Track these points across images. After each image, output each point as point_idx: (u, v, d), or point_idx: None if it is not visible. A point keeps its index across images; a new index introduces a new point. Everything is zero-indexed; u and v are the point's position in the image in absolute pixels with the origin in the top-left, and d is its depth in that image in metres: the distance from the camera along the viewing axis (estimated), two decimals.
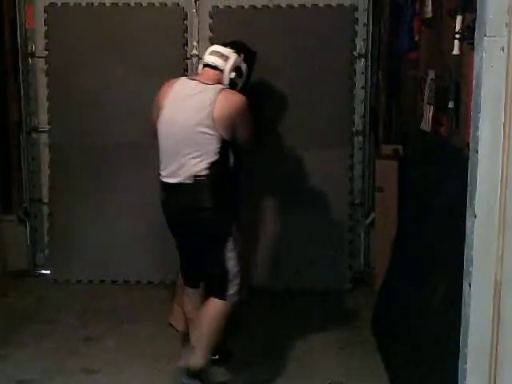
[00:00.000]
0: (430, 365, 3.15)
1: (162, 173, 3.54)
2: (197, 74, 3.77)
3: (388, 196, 4.75)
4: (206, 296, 3.67)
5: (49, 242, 5.45)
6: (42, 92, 5.35)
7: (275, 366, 3.93)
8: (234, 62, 3.57)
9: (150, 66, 5.00)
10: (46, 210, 5.48)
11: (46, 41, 5.25)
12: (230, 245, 3.52)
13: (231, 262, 3.52)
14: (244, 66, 3.66)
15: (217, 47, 3.62)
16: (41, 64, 5.32)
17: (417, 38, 4.60)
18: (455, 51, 3.60)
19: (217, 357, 3.85)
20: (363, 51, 5.14)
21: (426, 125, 4.12)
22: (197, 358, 3.53)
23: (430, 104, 4.09)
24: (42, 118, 5.40)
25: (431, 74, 4.15)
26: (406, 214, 4.32)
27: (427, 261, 3.56)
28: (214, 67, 3.55)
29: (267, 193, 5.06)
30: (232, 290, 3.53)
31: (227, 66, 3.54)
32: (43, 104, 5.36)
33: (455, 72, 3.61)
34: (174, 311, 4.30)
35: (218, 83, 3.50)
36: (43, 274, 5.43)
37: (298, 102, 5.02)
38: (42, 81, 5.34)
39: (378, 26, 5.13)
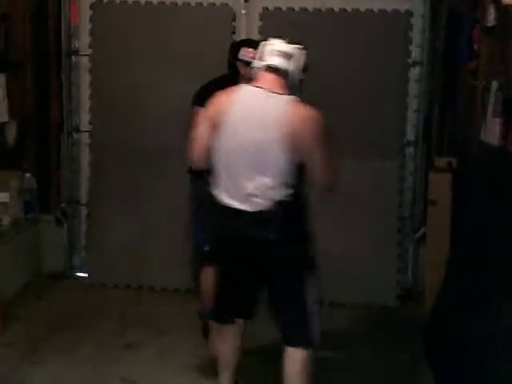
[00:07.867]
0: None
1: (223, 195, 3.05)
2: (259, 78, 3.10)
3: (441, 210, 4.59)
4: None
5: (86, 244, 5.34)
6: (84, 91, 5.26)
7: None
8: (303, 60, 3.05)
9: (196, 67, 4.86)
10: (83, 211, 5.37)
11: (91, 38, 5.15)
12: (311, 279, 3.06)
13: (311, 300, 3.05)
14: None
15: (278, 45, 3.02)
16: (84, 62, 5.23)
17: (476, 47, 4.43)
18: None
19: None
20: (418, 59, 4.97)
21: (489, 136, 3.94)
22: None
23: (493, 115, 3.92)
24: (84, 118, 5.29)
25: (495, 85, 3.98)
26: (463, 229, 4.13)
27: (490, 280, 3.38)
28: (277, 70, 3.00)
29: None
30: (315, 332, 3.08)
31: (291, 67, 3.00)
32: (85, 103, 5.26)
33: None
34: None
35: (285, 89, 3.01)
36: (79, 276, 5.32)
37: (347, 110, 4.83)
38: (84, 79, 5.24)
39: (434, 33, 4.94)
